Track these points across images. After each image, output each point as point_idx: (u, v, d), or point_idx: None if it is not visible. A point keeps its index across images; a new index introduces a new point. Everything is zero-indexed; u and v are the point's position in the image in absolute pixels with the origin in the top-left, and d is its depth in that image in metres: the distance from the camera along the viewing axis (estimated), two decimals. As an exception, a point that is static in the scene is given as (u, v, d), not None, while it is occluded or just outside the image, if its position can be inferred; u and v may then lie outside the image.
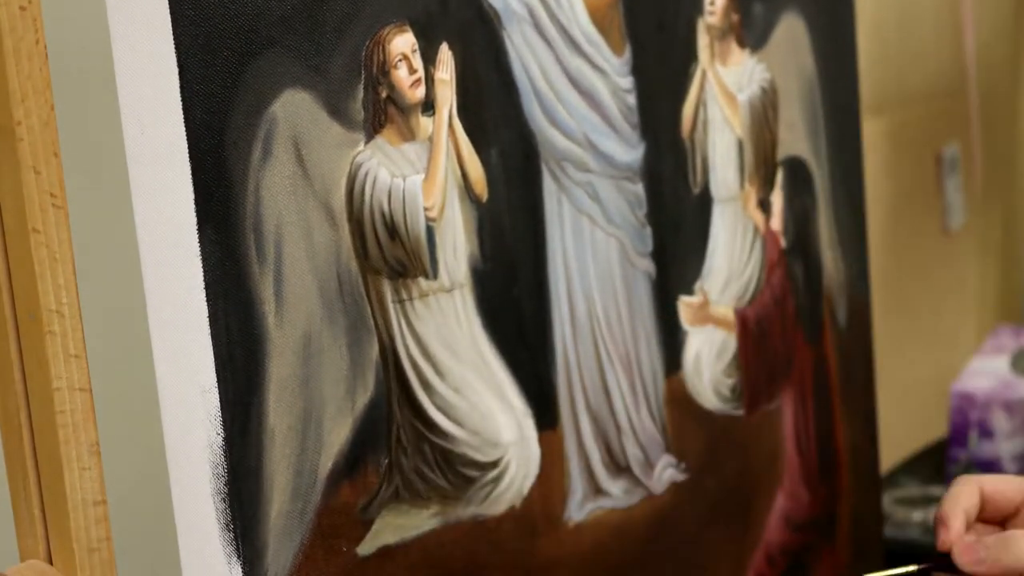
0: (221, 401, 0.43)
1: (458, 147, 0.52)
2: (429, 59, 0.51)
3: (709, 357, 0.66)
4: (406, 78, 0.50)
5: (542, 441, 0.56)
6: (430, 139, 0.51)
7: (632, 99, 0.60)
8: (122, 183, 0.43)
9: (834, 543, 0.77)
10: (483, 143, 0.53)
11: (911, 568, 0.56)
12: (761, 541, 0.70)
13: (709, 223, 0.66)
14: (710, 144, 0.66)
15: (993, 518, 0.53)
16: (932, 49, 1.12)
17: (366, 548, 0.49)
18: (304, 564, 0.46)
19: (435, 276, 0.51)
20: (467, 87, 0.52)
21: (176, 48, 0.42)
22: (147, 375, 0.44)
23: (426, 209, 0.51)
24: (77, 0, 0.56)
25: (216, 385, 0.43)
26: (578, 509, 0.58)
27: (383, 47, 0.49)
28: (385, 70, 0.49)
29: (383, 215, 0.49)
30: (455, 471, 0.52)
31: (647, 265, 0.62)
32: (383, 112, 0.49)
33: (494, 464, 0.54)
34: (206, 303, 0.43)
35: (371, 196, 0.49)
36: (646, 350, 0.62)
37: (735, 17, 0.67)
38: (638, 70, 0.61)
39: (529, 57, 0.55)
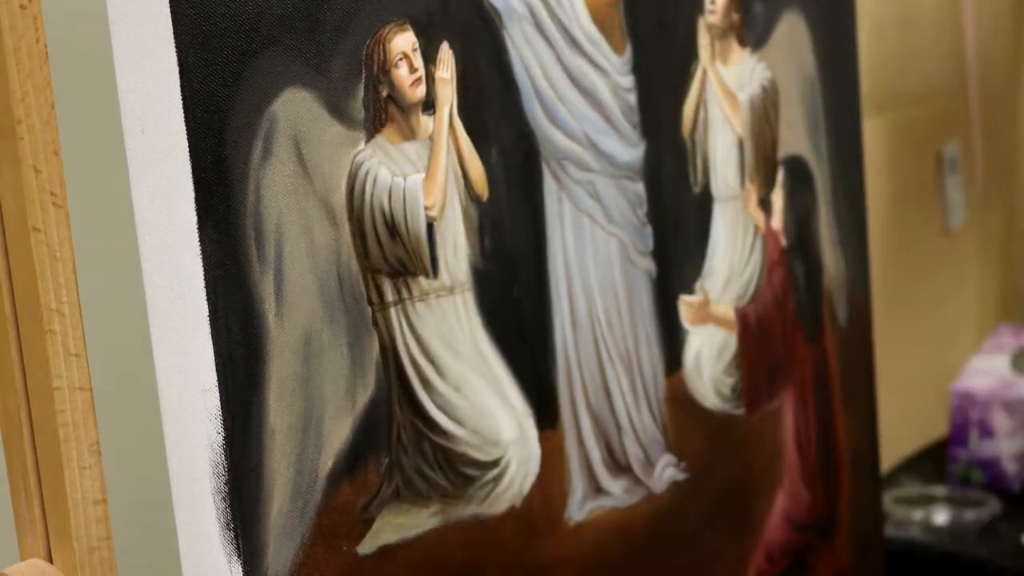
0: (221, 400, 0.43)
1: (459, 146, 0.52)
2: (430, 58, 0.51)
3: (710, 356, 0.66)
4: (406, 77, 0.50)
5: (542, 440, 0.56)
6: (431, 138, 0.51)
7: (633, 98, 0.60)
8: (122, 182, 0.43)
9: (834, 542, 0.77)
10: (484, 142, 0.53)
11: None
12: (761, 540, 0.70)
13: (710, 222, 0.66)
14: (711, 143, 0.65)
15: None
16: (932, 48, 1.12)
17: (366, 547, 0.49)
18: (304, 563, 0.46)
19: (435, 275, 0.51)
20: (468, 86, 0.52)
21: (176, 47, 0.41)
22: (147, 374, 0.44)
23: (427, 208, 0.51)
24: (77, -1, 0.56)
25: (216, 384, 0.43)
26: (578, 508, 0.58)
27: (383, 46, 0.49)
28: (386, 69, 0.49)
29: (384, 214, 0.49)
30: (455, 470, 0.52)
31: (648, 264, 0.62)
32: (383, 111, 0.49)
33: (494, 463, 0.54)
34: (206, 302, 0.43)
35: (372, 195, 0.49)
36: (646, 349, 0.62)
37: (736, 16, 0.67)
38: (639, 69, 0.60)
39: (530, 56, 0.55)
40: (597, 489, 0.59)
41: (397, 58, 0.49)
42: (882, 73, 1.04)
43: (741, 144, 0.68)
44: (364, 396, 0.48)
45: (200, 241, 0.42)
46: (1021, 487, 1.02)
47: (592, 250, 0.59)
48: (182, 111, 0.42)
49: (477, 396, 0.53)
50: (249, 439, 0.44)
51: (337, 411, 0.48)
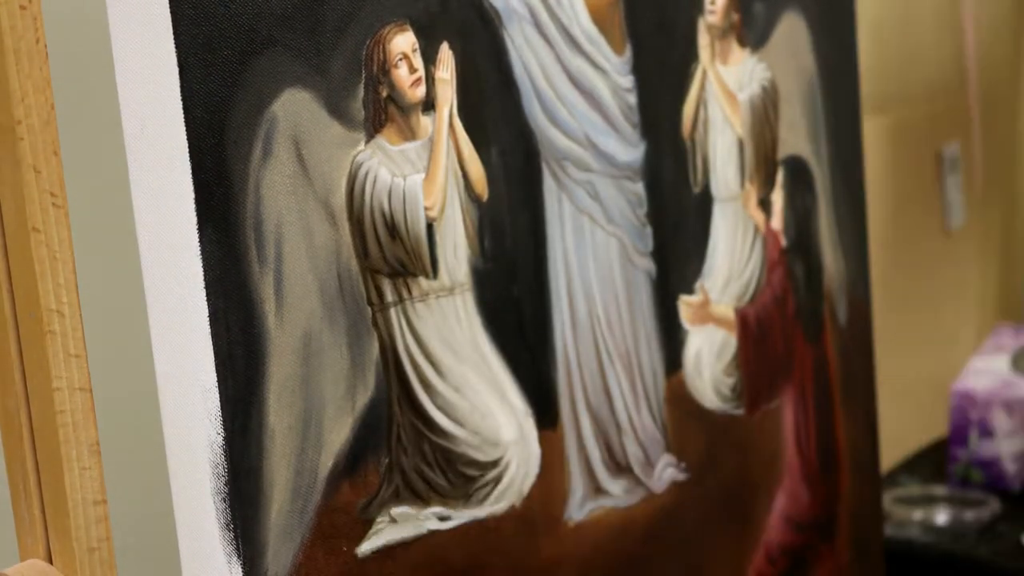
0: (221, 400, 0.43)
1: (458, 146, 0.52)
2: (429, 58, 0.51)
3: (709, 356, 0.66)
4: (406, 77, 0.50)
5: (542, 440, 0.56)
6: (430, 138, 0.51)
7: (633, 98, 0.60)
8: (122, 182, 0.43)
9: (834, 542, 0.77)
10: (483, 142, 0.53)
11: None
12: (761, 540, 0.70)
13: (709, 222, 0.66)
14: (710, 143, 0.65)
15: None
16: (932, 48, 1.12)
17: (366, 548, 0.49)
18: (304, 564, 0.46)
19: (435, 275, 0.51)
20: (467, 86, 0.52)
21: (176, 47, 0.41)
22: (147, 374, 0.44)
23: (426, 208, 0.51)
24: (77, -1, 0.56)
25: (216, 384, 0.43)
26: (578, 508, 0.58)
27: (383, 46, 0.49)
28: (385, 69, 0.49)
29: (383, 214, 0.49)
30: (455, 471, 0.52)
31: (647, 264, 0.62)
32: (383, 111, 0.49)
33: (494, 464, 0.54)
34: (206, 302, 0.43)
35: (371, 195, 0.49)
36: (646, 349, 0.62)
37: (736, 16, 0.67)
38: (639, 69, 0.60)
39: (530, 56, 0.55)
40: (597, 489, 0.59)
41: (397, 58, 0.49)
42: (882, 73, 1.05)
43: (741, 144, 0.68)
44: (364, 396, 0.48)
45: (200, 241, 0.42)
46: (1021, 487, 1.02)
47: (592, 250, 0.59)
48: (182, 111, 0.42)
49: (477, 396, 0.53)
50: (249, 439, 0.44)
51: (337, 411, 0.48)
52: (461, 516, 0.53)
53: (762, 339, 0.70)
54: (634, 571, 0.62)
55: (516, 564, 0.55)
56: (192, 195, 0.42)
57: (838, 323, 0.76)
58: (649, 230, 0.62)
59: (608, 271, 0.59)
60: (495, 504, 0.54)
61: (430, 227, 0.51)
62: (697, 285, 0.65)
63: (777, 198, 0.71)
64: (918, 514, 1.00)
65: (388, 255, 0.50)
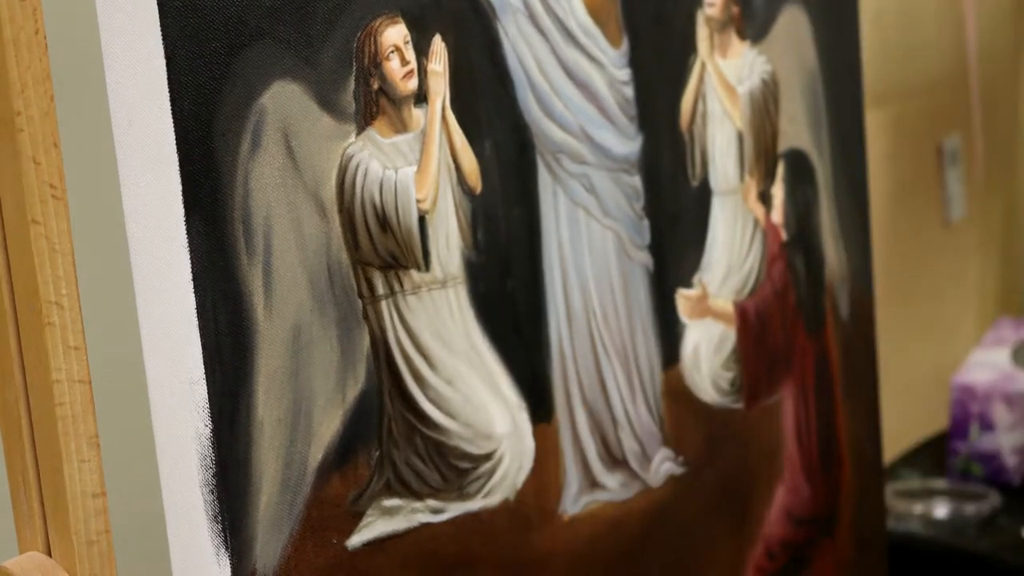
0: (209, 393, 0.43)
1: (451, 139, 0.52)
2: (422, 50, 0.51)
3: (708, 350, 0.66)
4: (398, 70, 0.50)
5: (537, 434, 0.56)
6: (422, 131, 0.51)
7: (629, 91, 0.60)
8: (117, 174, 0.43)
9: (835, 537, 0.77)
10: (477, 135, 0.53)
11: None
12: (761, 535, 0.70)
13: (708, 216, 0.66)
14: (709, 137, 0.65)
15: None
16: (933, 41, 1.12)
17: (356, 540, 0.49)
18: (293, 556, 0.46)
19: (427, 268, 0.51)
20: (461, 79, 0.52)
21: (163, 39, 0.41)
22: (140, 367, 0.44)
23: (418, 201, 0.51)
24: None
25: (204, 377, 0.43)
26: (573, 502, 0.58)
27: (375, 38, 0.49)
28: (377, 62, 0.49)
29: (374, 207, 0.49)
30: (448, 464, 0.52)
31: (644, 258, 0.62)
32: (375, 104, 0.49)
33: (487, 457, 0.54)
34: (194, 295, 0.43)
35: (362, 188, 0.49)
36: (643, 343, 0.62)
37: (735, 9, 0.67)
38: (636, 62, 0.60)
39: (524, 49, 0.55)
40: (592, 483, 0.60)
41: (389, 51, 0.49)
42: (883, 66, 1.04)
43: (740, 137, 0.68)
44: (354, 389, 0.49)
45: (188, 233, 0.42)
46: (1021, 481, 1.01)
47: (588, 243, 0.59)
48: (169, 103, 0.42)
49: (470, 389, 0.53)
50: (237, 432, 0.44)
51: (327, 404, 0.48)
52: (454, 509, 0.53)
53: (762, 333, 0.70)
54: (630, 566, 0.62)
55: (510, 558, 0.55)
56: (179, 188, 0.42)
57: (840, 316, 0.76)
58: (646, 223, 0.62)
59: (604, 264, 0.59)
60: (488, 497, 0.54)
61: (422, 220, 0.51)
62: (695, 279, 0.65)
63: (777, 191, 0.71)
64: (918, 507, 0.99)
65: (379, 247, 0.50)
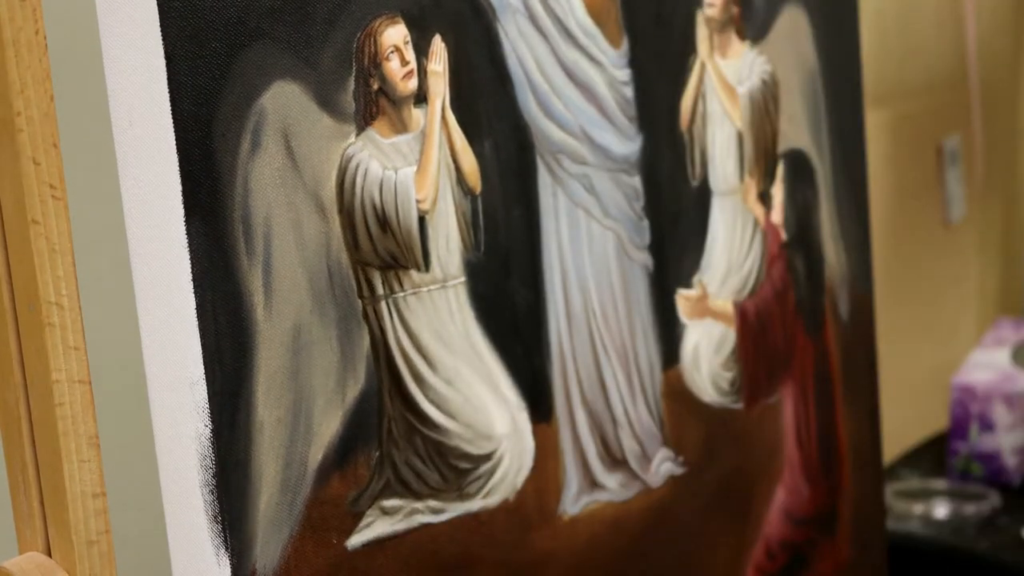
0: (209, 393, 0.43)
1: (451, 139, 0.52)
2: (422, 51, 0.51)
3: (708, 350, 0.66)
4: (398, 70, 0.50)
5: (537, 434, 0.56)
6: (422, 131, 0.51)
7: (629, 91, 0.60)
8: (117, 175, 0.43)
9: (835, 537, 0.77)
10: (477, 135, 0.53)
11: None
12: (760, 535, 0.70)
13: (708, 216, 0.66)
14: (709, 137, 0.65)
15: None
16: (933, 41, 1.12)
17: (356, 541, 0.49)
18: (293, 556, 0.46)
19: (427, 268, 0.51)
20: (461, 79, 0.52)
21: (163, 39, 0.42)
22: (140, 367, 0.44)
23: (418, 201, 0.51)
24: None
25: (204, 377, 0.43)
26: (573, 503, 0.58)
27: (375, 39, 0.49)
28: (377, 62, 0.49)
29: (374, 207, 0.49)
30: (448, 464, 0.52)
31: (644, 258, 0.62)
32: (375, 104, 0.49)
33: (487, 457, 0.54)
34: (194, 295, 0.43)
35: (362, 188, 0.49)
36: (643, 343, 0.62)
37: (735, 9, 0.67)
38: (636, 62, 0.60)
39: (524, 49, 0.55)
40: (592, 483, 0.60)
41: (388, 51, 0.49)
42: (883, 66, 1.04)
43: (740, 138, 0.68)
44: (354, 389, 0.49)
45: (188, 234, 0.43)
46: (1021, 481, 1.02)
47: (588, 244, 0.59)
48: (169, 104, 0.42)
49: (470, 390, 0.53)
50: (237, 432, 0.44)
51: (327, 404, 0.48)
52: (453, 509, 0.53)
53: (762, 333, 0.70)
54: (630, 566, 0.62)
55: (510, 558, 0.55)
56: (179, 188, 0.42)
57: (839, 317, 0.76)
58: (646, 223, 0.62)
59: (604, 265, 0.60)
60: (488, 498, 0.54)
61: (422, 220, 0.51)
62: (695, 279, 0.65)
63: (777, 192, 0.71)
64: (918, 508, 0.99)
65: (379, 248, 0.50)
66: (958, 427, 1.03)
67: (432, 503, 0.52)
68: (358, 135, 0.48)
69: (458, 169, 0.53)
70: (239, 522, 0.44)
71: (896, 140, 1.07)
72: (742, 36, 0.68)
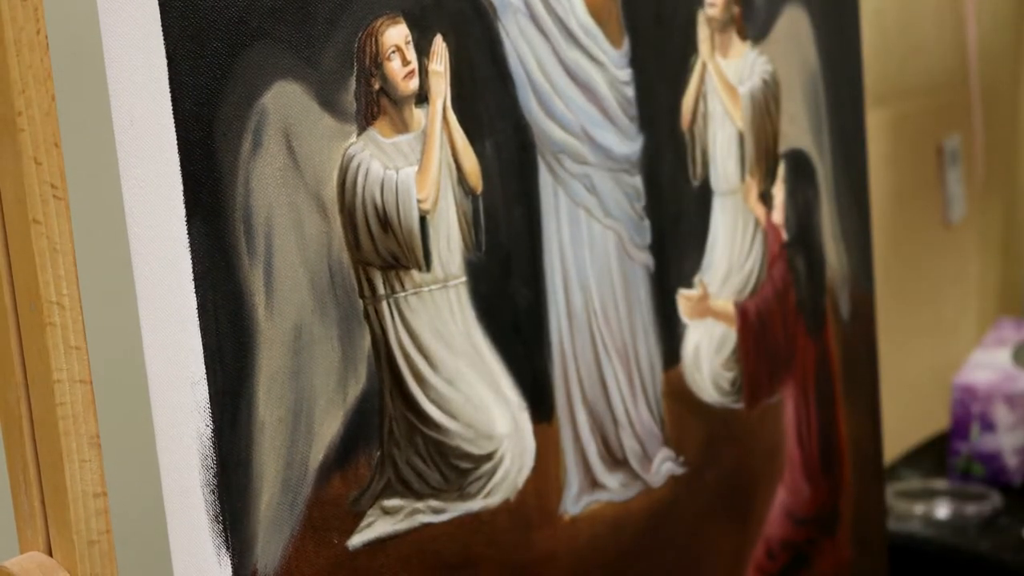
0: (210, 392, 0.43)
1: (452, 139, 0.52)
2: (423, 51, 0.51)
3: (708, 350, 0.66)
4: (399, 70, 0.50)
5: (537, 434, 0.56)
6: (423, 131, 0.51)
7: (630, 91, 0.60)
8: (118, 175, 0.43)
9: (836, 537, 0.77)
10: (478, 135, 0.53)
11: None
12: (761, 535, 0.70)
13: (709, 216, 0.66)
14: (710, 137, 0.65)
15: None
16: (933, 41, 1.12)
17: (357, 540, 0.49)
18: (294, 556, 0.46)
19: (428, 268, 0.51)
20: (462, 79, 0.52)
21: (165, 39, 0.42)
22: (141, 367, 0.44)
23: (419, 201, 0.51)
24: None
25: (205, 377, 0.43)
26: (574, 502, 0.58)
27: (376, 39, 0.49)
28: (378, 62, 0.49)
29: (375, 207, 0.49)
30: (448, 464, 0.52)
31: (645, 258, 0.62)
32: (376, 104, 0.49)
33: (488, 457, 0.54)
34: (195, 295, 0.43)
35: (363, 188, 0.49)
36: (644, 343, 0.62)
37: (736, 9, 0.67)
38: (637, 62, 0.60)
39: (525, 49, 0.55)
40: (593, 483, 0.60)
41: (390, 51, 0.49)
42: (883, 66, 1.04)
43: (741, 137, 0.68)
44: (355, 389, 0.49)
45: (189, 234, 0.43)
46: (1022, 481, 1.01)
47: (589, 243, 0.59)
48: (171, 104, 0.42)
49: (471, 389, 0.53)
50: (238, 432, 0.44)
51: (328, 404, 0.48)
52: (454, 509, 0.53)
53: (762, 333, 0.70)
54: (630, 566, 0.62)
55: (510, 558, 0.55)
56: (181, 188, 0.42)
57: (840, 317, 0.76)
58: (647, 223, 0.62)
59: (605, 265, 0.60)
60: (489, 497, 0.54)
61: (423, 220, 0.51)
62: (696, 279, 0.65)
63: (778, 192, 0.71)
64: (919, 508, 0.99)
65: (380, 248, 0.50)
66: (959, 427, 1.03)
67: (433, 503, 0.52)
68: (359, 135, 0.48)
69: (459, 169, 0.53)
70: (240, 522, 0.44)
71: (896, 140, 1.07)
72: (743, 36, 0.68)
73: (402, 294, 0.50)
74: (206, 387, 0.43)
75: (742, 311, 0.68)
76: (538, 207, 0.56)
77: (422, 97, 0.51)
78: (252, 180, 0.45)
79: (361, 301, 0.49)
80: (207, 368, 0.43)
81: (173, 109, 0.42)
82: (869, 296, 0.79)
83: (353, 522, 0.49)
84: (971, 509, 0.98)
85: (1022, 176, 1.31)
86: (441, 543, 0.52)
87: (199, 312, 0.43)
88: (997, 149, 1.24)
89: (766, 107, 0.69)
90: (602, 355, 0.60)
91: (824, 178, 0.75)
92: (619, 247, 0.60)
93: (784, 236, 0.72)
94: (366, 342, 0.49)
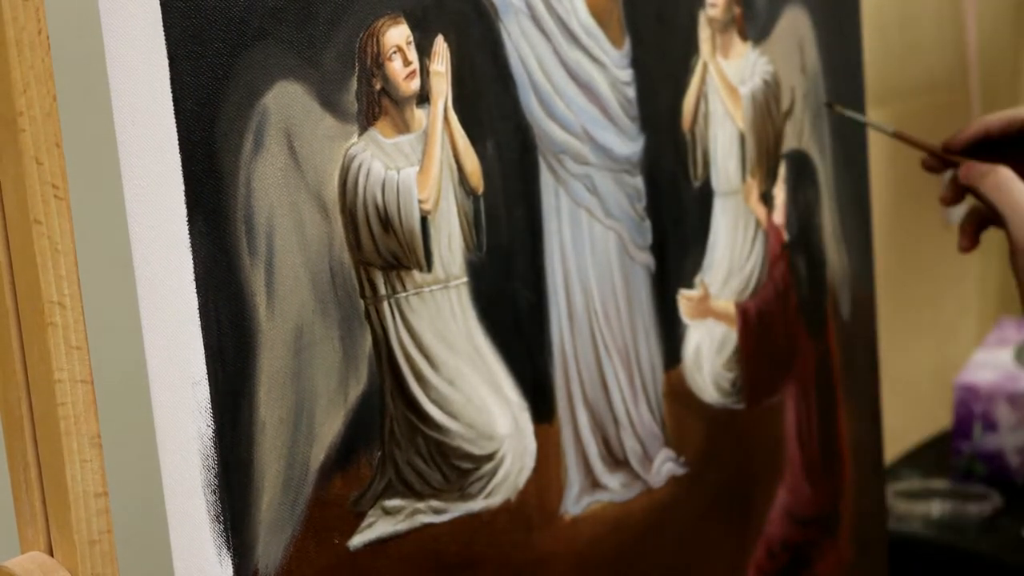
0: (211, 393, 0.43)
1: (454, 139, 0.52)
2: (424, 51, 0.51)
3: (709, 351, 0.66)
4: (400, 70, 0.50)
5: (538, 434, 0.56)
6: (425, 131, 0.51)
7: (631, 92, 0.60)
8: (120, 175, 0.43)
9: (837, 537, 0.77)
10: (479, 135, 0.53)
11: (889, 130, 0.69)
12: (762, 535, 0.70)
13: (710, 216, 0.66)
14: (711, 137, 0.65)
15: None
16: (934, 42, 1.12)
17: (358, 541, 0.49)
18: (295, 556, 0.46)
19: (429, 269, 0.51)
20: (463, 79, 0.52)
21: (166, 39, 0.42)
22: (142, 367, 0.44)
23: (421, 202, 0.51)
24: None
25: (206, 377, 0.43)
26: (575, 503, 0.58)
27: (377, 39, 0.49)
28: (379, 62, 0.49)
29: (377, 207, 0.49)
30: (449, 464, 0.52)
31: (646, 258, 0.62)
32: (377, 104, 0.49)
33: (489, 457, 0.54)
34: (196, 295, 0.43)
35: (364, 188, 0.49)
36: (645, 344, 0.62)
37: (737, 10, 0.67)
38: (638, 63, 0.60)
39: (526, 49, 0.55)
40: (594, 483, 0.60)
41: (391, 51, 0.49)
42: (883, 66, 1.04)
43: (742, 138, 0.68)
44: (356, 389, 0.49)
45: (190, 234, 0.42)
46: (1024, 481, 1.02)
47: (590, 244, 0.59)
48: (172, 104, 0.42)
49: (472, 390, 0.53)
50: (239, 432, 0.45)
51: (329, 404, 0.48)
52: (455, 510, 0.53)
53: (763, 334, 0.70)
54: (631, 566, 0.62)
55: (511, 558, 0.55)
56: (182, 188, 0.42)
57: (841, 317, 0.76)
58: (648, 224, 0.62)
59: (606, 265, 0.60)
60: (490, 498, 0.54)
61: (424, 220, 0.51)
62: (697, 279, 0.65)
63: (779, 192, 0.71)
64: (919, 508, 0.99)
65: (381, 248, 0.50)
66: (961, 427, 1.03)
67: (434, 503, 0.52)
68: (360, 135, 0.48)
69: (460, 169, 0.53)
70: (241, 522, 0.44)
71: (896, 141, 1.07)
72: (744, 36, 0.68)
73: (403, 294, 0.50)
74: (207, 387, 0.43)
75: (743, 312, 0.68)
76: (539, 207, 0.56)
77: (423, 97, 0.51)
78: (253, 180, 0.45)
79: (362, 301, 0.49)
80: (208, 368, 0.43)
81: (174, 109, 0.42)
82: (870, 296, 0.79)
83: (354, 522, 0.49)
84: (971, 509, 0.98)
85: (1023, 176, 1.31)
86: (442, 543, 0.52)
87: (200, 312, 0.43)
88: (998, 149, 1.24)
89: (767, 108, 0.69)
90: (603, 355, 0.60)
91: (825, 178, 0.75)
92: (620, 248, 0.60)
93: (785, 237, 0.72)
94: (367, 342, 0.49)
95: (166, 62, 0.42)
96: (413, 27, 0.50)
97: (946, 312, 1.19)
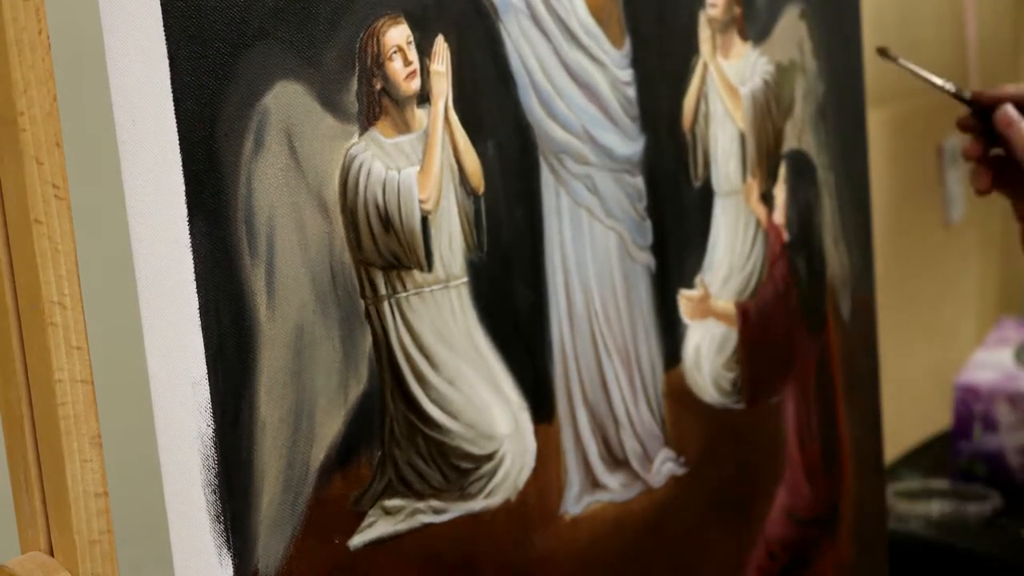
0: (211, 393, 0.43)
1: (454, 139, 0.52)
2: (424, 51, 0.51)
3: (709, 351, 0.66)
4: (401, 70, 0.50)
5: (538, 434, 0.56)
6: (425, 131, 0.51)
7: (632, 92, 0.60)
8: (120, 174, 0.43)
9: (836, 537, 0.77)
10: (480, 135, 0.53)
11: (951, 89, 0.73)
12: (762, 535, 0.70)
13: (710, 216, 0.66)
14: (711, 137, 0.65)
15: None
16: (933, 40, 1.12)
17: (358, 540, 0.49)
18: (295, 556, 0.46)
19: (430, 268, 0.51)
20: (463, 79, 0.52)
21: (167, 39, 0.42)
22: (143, 367, 0.44)
23: (421, 201, 0.51)
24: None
25: (207, 377, 0.43)
26: (575, 503, 0.58)
27: (377, 39, 0.49)
28: (380, 62, 0.49)
29: (377, 207, 0.49)
30: (449, 464, 0.52)
31: (646, 258, 0.62)
32: (378, 104, 0.49)
33: (489, 457, 0.54)
34: (197, 295, 0.43)
35: (365, 188, 0.49)
36: (645, 344, 0.62)
37: (737, 10, 0.67)
38: (638, 63, 0.60)
39: (527, 49, 0.55)
40: (594, 483, 0.60)
41: (391, 51, 0.49)
42: (883, 66, 1.04)
43: (742, 138, 0.68)
44: (357, 389, 0.49)
45: (191, 234, 0.43)
46: (1024, 480, 1.02)
47: (590, 244, 0.59)
48: (173, 104, 0.42)
49: (472, 390, 0.53)
50: (239, 432, 0.45)
51: (329, 404, 0.48)
52: (455, 509, 0.53)
53: (763, 333, 0.70)
54: (631, 566, 0.62)
55: (511, 558, 0.55)
56: (183, 188, 0.42)
57: (841, 317, 0.76)
58: (648, 224, 0.62)
59: (606, 265, 0.60)
60: (490, 498, 0.54)
61: (425, 220, 0.51)
62: (697, 279, 0.65)
63: (779, 192, 0.71)
64: (919, 508, 0.99)
65: (382, 248, 0.50)
66: (961, 427, 1.03)
67: (434, 503, 0.52)
68: (361, 135, 0.48)
69: (461, 169, 0.53)
70: (241, 522, 0.44)
71: (896, 140, 1.07)
72: (744, 36, 0.68)
73: (403, 294, 0.50)
74: (207, 387, 0.43)
75: (743, 311, 0.68)
76: (540, 207, 0.56)
77: (424, 97, 0.51)
78: (254, 180, 0.45)
79: (363, 301, 0.49)
80: (208, 368, 0.43)
81: (175, 109, 0.42)
82: (870, 296, 0.79)
83: (354, 522, 0.49)
84: (971, 509, 0.98)
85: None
86: (442, 543, 0.52)
87: (201, 312, 0.43)
88: (997, 149, 1.24)
89: (767, 108, 0.69)
90: (603, 355, 0.60)
91: (825, 178, 0.75)
92: (620, 247, 0.60)
93: (785, 236, 0.72)
94: (367, 342, 0.49)
95: (166, 62, 0.42)
96: (413, 27, 0.50)
97: (946, 312, 1.19)
